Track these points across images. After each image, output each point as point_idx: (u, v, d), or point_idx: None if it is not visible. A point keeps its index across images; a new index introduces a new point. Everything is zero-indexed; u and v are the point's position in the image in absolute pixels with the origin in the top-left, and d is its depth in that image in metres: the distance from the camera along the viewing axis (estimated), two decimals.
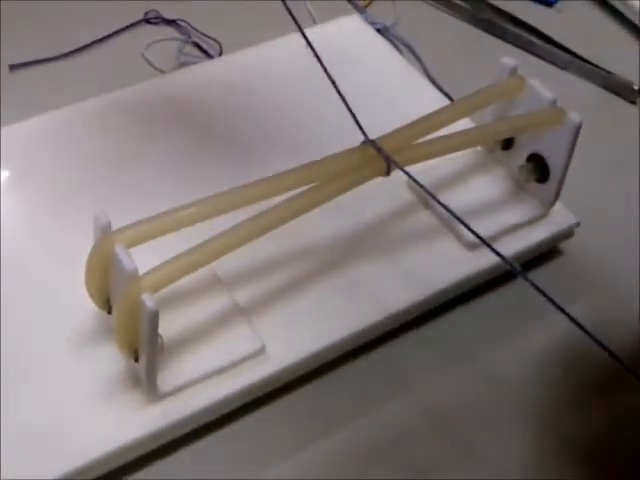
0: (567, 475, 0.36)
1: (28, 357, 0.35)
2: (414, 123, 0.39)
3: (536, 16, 0.56)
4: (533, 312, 0.41)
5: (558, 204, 0.42)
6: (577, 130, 0.39)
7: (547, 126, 0.39)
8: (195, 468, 0.35)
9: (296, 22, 0.38)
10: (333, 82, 0.37)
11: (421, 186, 0.36)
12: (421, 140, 0.39)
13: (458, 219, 0.35)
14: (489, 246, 0.34)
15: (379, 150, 0.36)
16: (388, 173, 0.37)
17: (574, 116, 0.38)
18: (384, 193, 0.41)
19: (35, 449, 0.33)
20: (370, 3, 0.56)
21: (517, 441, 0.37)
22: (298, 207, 0.36)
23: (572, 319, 0.32)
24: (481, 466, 0.36)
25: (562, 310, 0.32)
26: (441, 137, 0.39)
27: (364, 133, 0.37)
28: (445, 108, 0.40)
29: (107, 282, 0.33)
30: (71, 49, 0.52)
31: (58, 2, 0.55)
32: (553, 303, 0.32)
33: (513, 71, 0.40)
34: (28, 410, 0.34)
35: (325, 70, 0.38)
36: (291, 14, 0.37)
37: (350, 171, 0.36)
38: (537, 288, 0.33)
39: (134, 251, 0.32)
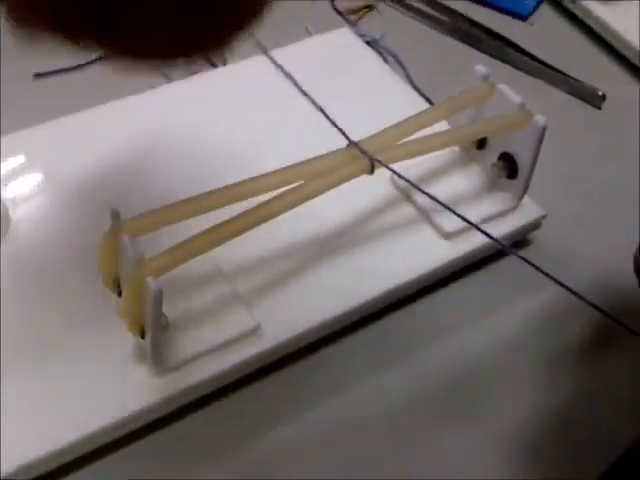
0: None
1: (47, 333, 0.35)
2: (395, 126, 0.39)
3: (511, 28, 0.55)
4: (503, 295, 0.41)
5: (527, 198, 0.42)
6: (542, 131, 0.38)
7: (516, 128, 0.39)
8: (195, 435, 0.35)
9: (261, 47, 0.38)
10: (305, 93, 0.37)
11: (407, 180, 0.37)
12: (402, 141, 0.39)
13: (448, 208, 0.35)
14: (483, 230, 0.34)
15: (363, 151, 0.36)
16: (372, 171, 0.37)
17: (540, 119, 0.38)
18: (370, 188, 0.40)
19: (57, 415, 0.33)
20: (361, 17, 0.56)
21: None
22: (290, 200, 0.36)
23: (565, 287, 0.32)
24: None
25: (555, 280, 0.33)
26: (420, 138, 0.39)
27: (346, 136, 0.37)
28: (424, 112, 0.40)
29: (117, 268, 0.33)
30: (88, 60, 0.50)
31: None
32: (546, 275, 0.33)
33: (485, 78, 0.40)
34: (48, 382, 0.34)
35: (296, 84, 0.38)
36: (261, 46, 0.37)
37: (338, 169, 0.36)
38: (528, 262, 0.33)
39: (142, 239, 0.33)
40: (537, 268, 0.33)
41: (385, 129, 0.39)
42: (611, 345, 0.40)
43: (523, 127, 0.39)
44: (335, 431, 0.35)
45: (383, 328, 0.39)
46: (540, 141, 0.39)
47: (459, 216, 0.35)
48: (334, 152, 0.37)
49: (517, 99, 0.39)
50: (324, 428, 0.35)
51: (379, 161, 0.37)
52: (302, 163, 0.36)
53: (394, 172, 0.37)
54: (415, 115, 0.40)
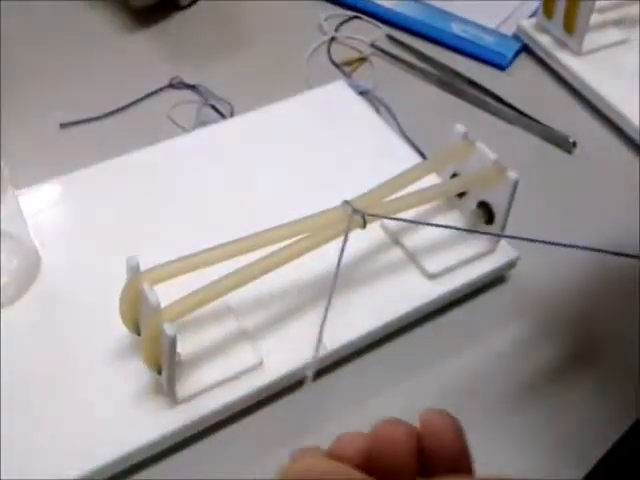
0: None
1: (74, 369, 0.37)
2: (386, 182, 0.41)
3: (491, 78, 0.57)
4: (479, 328, 0.43)
5: (503, 241, 0.44)
6: (515, 184, 0.40)
7: (492, 181, 0.41)
8: (206, 460, 0.37)
9: None
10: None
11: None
12: (393, 196, 0.41)
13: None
14: None
15: (356, 211, 0.37)
16: (364, 226, 0.38)
17: (512, 174, 0.40)
18: (362, 233, 0.42)
19: (79, 444, 0.35)
20: (355, 69, 0.58)
21: None
22: (292, 252, 0.38)
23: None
24: None
25: None
26: (408, 194, 0.41)
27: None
28: (412, 168, 0.42)
29: (137, 312, 0.35)
30: (111, 110, 0.52)
31: (100, 70, 0.56)
32: None
33: (464, 135, 0.42)
34: (72, 413, 0.36)
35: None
36: None
37: (334, 224, 0.38)
38: None
39: (160, 286, 0.35)
40: None
41: (377, 186, 0.41)
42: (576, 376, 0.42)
43: (498, 180, 0.41)
44: None
45: (370, 361, 0.41)
46: (513, 192, 0.41)
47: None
48: (331, 209, 0.38)
49: (492, 156, 0.41)
50: None
51: (370, 217, 0.38)
52: (305, 219, 0.38)
53: (389, 218, 0.38)
54: (404, 172, 0.42)
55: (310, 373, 0.29)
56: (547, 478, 0.37)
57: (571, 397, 0.40)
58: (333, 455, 0.24)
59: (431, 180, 0.43)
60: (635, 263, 0.46)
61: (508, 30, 0.61)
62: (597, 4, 0.58)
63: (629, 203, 0.49)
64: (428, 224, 0.43)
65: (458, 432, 0.23)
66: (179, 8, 0.61)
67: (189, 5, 0.61)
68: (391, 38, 0.60)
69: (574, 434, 0.39)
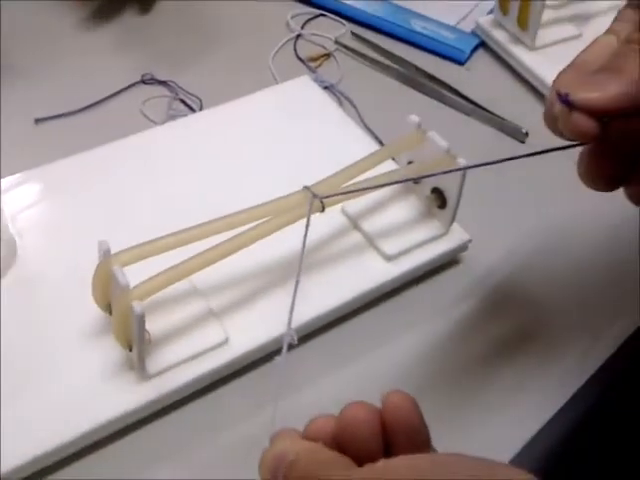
0: None
1: (51, 347, 0.39)
2: (344, 169, 0.43)
3: (449, 73, 0.59)
4: (434, 306, 0.45)
5: (456, 225, 0.46)
6: (464, 171, 0.43)
7: (443, 168, 0.44)
8: (175, 431, 0.39)
9: None
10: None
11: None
12: (351, 182, 0.43)
13: None
14: None
15: (315, 194, 0.39)
16: (323, 210, 0.40)
17: (462, 161, 0.42)
18: (324, 218, 0.42)
19: (55, 416, 0.36)
20: (320, 65, 0.60)
21: None
22: (255, 234, 0.39)
23: None
24: None
25: None
26: (363, 181, 0.42)
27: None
28: (368, 157, 0.44)
29: (108, 292, 0.37)
30: (85, 105, 0.54)
31: (74, 66, 0.57)
32: None
33: (418, 126, 0.45)
34: (50, 387, 0.38)
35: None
36: None
37: (294, 209, 0.40)
38: None
39: (131, 268, 0.37)
40: None
41: (335, 173, 0.43)
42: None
43: (449, 167, 0.43)
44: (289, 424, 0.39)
45: (332, 337, 0.43)
46: (463, 179, 0.43)
47: None
48: (292, 194, 0.40)
49: (443, 144, 0.43)
50: (282, 423, 0.39)
51: (328, 196, 0.40)
52: (267, 203, 0.40)
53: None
54: (361, 160, 0.44)
55: (290, 339, 0.32)
56: (494, 443, 0.39)
57: (517, 369, 0.43)
58: (307, 437, 0.27)
59: (388, 167, 0.46)
60: (582, 244, 0.49)
61: (467, 27, 0.64)
62: (550, 1, 0.61)
63: (575, 189, 0.52)
64: (367, 189, 0.45)
65: (415, 409, 0.26)
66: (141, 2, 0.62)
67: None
68: (355, 35, 0.62)
69: (518, 403, 0.41)
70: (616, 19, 0.36)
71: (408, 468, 0.23)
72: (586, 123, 0.31)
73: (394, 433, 0.26)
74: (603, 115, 0.31)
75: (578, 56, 0.35)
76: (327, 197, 0.39)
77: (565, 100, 0.31)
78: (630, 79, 0.31)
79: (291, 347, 0.41)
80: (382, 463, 0.23)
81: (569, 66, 0.35)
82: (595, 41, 0.35)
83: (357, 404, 0.26)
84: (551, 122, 0.34)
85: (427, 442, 0.26)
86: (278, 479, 0.26)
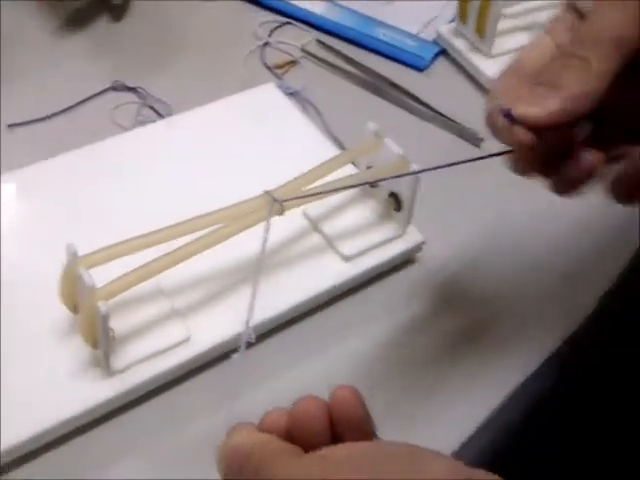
0: None
1: (21, 346, 0.40)
2: (303, 175, 0.45)
3: (410, 80, 0.60)
4: (390, 304, 0.47)
5: (411, 227, 0.48)
6: (417, 177, 0.45)
7: (398, 173, 0.46)
8: (139, 425, 0.40)
9: None
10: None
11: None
12: (311, 186, 0.45)
13: None
14: None
15: (274, 198, 0.41)
16: (282, 213, 0.41)
17: (413, 166, 0.45)
18: (285, 221, 0.43)
19: (23, 411, 0.38)
20: (286, 71, 0.61)
21: None
22: (217, 237, 0.41)
23: None
24: None
25: None
26: (322, 185, 0.44)
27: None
28: (327, 162, 0.46)
29: (74, 293, 0.39)
30: (56, 111, 0.55)
31: (46, 73, 0.58)
32: None
33: (376, 133, 0.47)
34: (20, 384, 0.39)
35: None
36: None
37: (255, 212, 0.42)
38: None
39: (97, 269, 0.38)
40: None
41: (295, 177, 0.44)
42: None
43: (403, 173, 0.46)
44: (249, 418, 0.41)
45: (292, 335, 0.45)
46: (416, 184, 0.45)
47: None
48: (253, 198, 0.42)
49: (398, 150, 0.46)
50: (241, 417, 0.41)
51: (287, 204, 0.42)
52: (228, 207, 0.42)
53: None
54: (320, 165, 0.46)
55: (248, 337, 0.34)
56: (443, 435, 0.42)
57: (463, 362, 0.45)
58: (262, 429, 0.29)
59: (349, 171, 0.48)
60: (532, 243, 0.51)
61: (429, 35, 0.66)
62: (509, 10, 0.63)
63: (527, 189, 0.54)
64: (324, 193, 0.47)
65: (360, 403, 0.28)
66: (111, 8, 0.63)
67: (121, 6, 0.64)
68: (320, 43, 0.64)
69: (461, 398, 0.43)
70: (553, 19, 0.38)
71: (348, 452, 0.25)
72: (525, 136, 0.34)
73: (341, 425, 0.28)
74: (542, 129, 0.34)
75: (516, 59, 0.37)
76: (286, 201, 0.41)
77: (507, 114, 0.34)
78: (567, 95, 0.33)
79: (250, 345, 0.43)
80: (324, 450, 0.25)
81: (508, 70, 0.37)
82: (533, 43, 0.37)
83: (307, 399, 0.28)
84: (492, 128, 0.36)
85: (372, 433, 0.28)
86: (235, 470, 0.28)
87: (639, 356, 0.47)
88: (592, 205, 0.52)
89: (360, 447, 0.26)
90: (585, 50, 0.34)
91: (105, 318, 0.37)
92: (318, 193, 0.44)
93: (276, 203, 0.41)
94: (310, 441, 0.27)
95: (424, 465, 0.24)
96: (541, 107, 0.33)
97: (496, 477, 0.23)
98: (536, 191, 0.40)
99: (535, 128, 0.33)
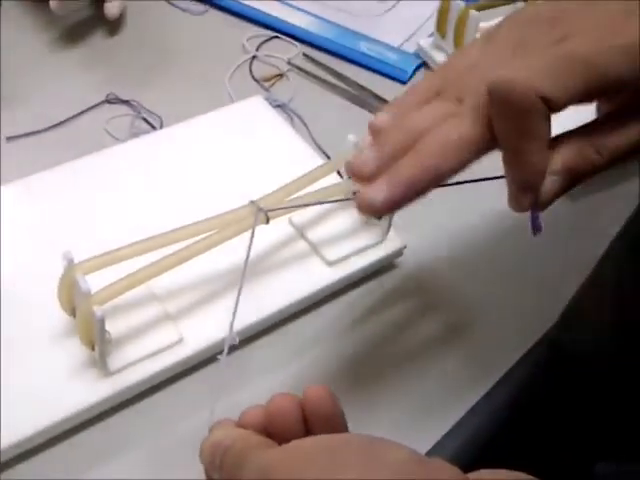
0: None
1: (21, 348, 0.42)
2: (287, 184, 0.46)
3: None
4: (372, 307, 0.49)
5: (392, 232, 0.50)
6: None
7: None
8: (134, 423, 0.42)
9: None
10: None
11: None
12: (295, 195, 0.47)
13: None
14: None
15: (260, 208, 0.43)
16: (267, 222, 0.43)
17: None
18: (272, 228, 0.45)
19: (24, 410, 0.40)
20: (273, 84, 0.64)
21: None
22: (206, 244, 0.43)
23: None
24: None
25: None
26: (306, 194, 0.46)
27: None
28: (310, 172, 0.48)
29: (72, 297, 0.41)
30: (52, 124, 0.57)
31: (43, 86, 0.60)
32: None
33: (355, 144, 0.49)
34: (20, 384, 0.41)
35: None
36: None
37: (242, 221, 0.43)
38: None
39: (92, 276, 0.41)
40: None
41: (280, 187, 0.46)
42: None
43: None
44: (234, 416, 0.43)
45: (278, 337, 0.47)
46: None
47: None
48: (239, 208, 0.44)
49: None
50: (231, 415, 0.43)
51: (272, 214, 0.44)
52: (216, 216, 0.44)
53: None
54: (303, 175, 0.48)
55: (232, 341, 0.36)
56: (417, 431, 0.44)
57: (445, 362, 0.47)
58: (241, 425, 0.31)
59: (332, 181, 0.50)
60: (515, 248, 0.54)
61: (410, 48, 0.68)
62: (485, 25, 0.66)
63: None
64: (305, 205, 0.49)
65: (332, 399, 0.30)
66: (106, 23, 0.65)
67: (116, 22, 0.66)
68: (306, 56, 0.66)
69: (442, 395, 0.46)
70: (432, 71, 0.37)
71: (313, 442, 0.27)
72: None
73: (313, 420, 0.30)
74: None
75: (402, 99, 0.38)
76: (271, 210, 0.44)
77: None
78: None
79: (235, 348, 0.45)
80: (295, 442, 0.28)
81: (390, 108, 0.37)
82: (417, 85, 0.38)
83: (281, 396, 0.30)
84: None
85: (344, 430, 0.31)
86: (216, 463, 0.30)
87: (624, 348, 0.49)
88: (570, 204, 0.55)
89: (327, 437, 0.28)
90: None
91: (101, 321, 0.39)
92: (302, 205, 0.46)
93: (261, 212, 0.43)
94: (285, 436, 0.29)
95: (385, 450, 0.26)
96: (387, 191, 0.33)
97: (453, 467, 0.25)
98: None
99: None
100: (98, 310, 0.39)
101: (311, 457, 0.26)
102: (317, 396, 0.30)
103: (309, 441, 0.27)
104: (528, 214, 0.36)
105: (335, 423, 0.30)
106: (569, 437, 0.47)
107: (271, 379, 0.45)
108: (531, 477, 0.25)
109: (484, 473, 0.26)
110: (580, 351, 0.50)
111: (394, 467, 0.25)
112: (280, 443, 0.29)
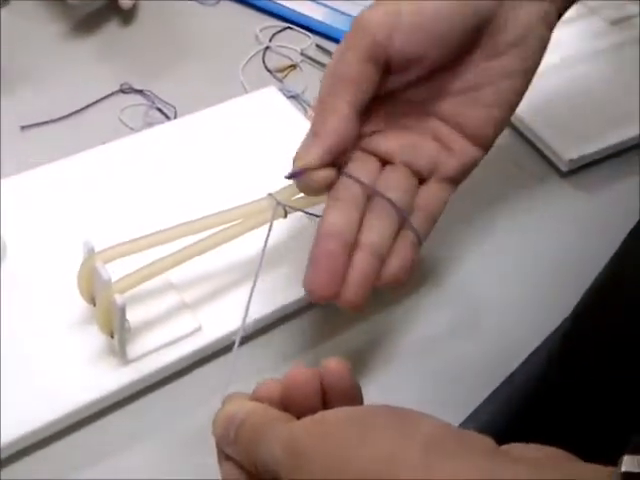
0: None
1: (42, 337, 0.43)
2: None
3: None
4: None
5: None
6: None
7: None
8: (153, 410, 0.43)
9: None
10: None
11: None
12: None
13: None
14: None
15: (278, 202, 0.43)
16: (285, 216, 0.43)
17: None
18: (289, 219, 0.45)
19: (45, 396, 0.40)
20: (286, 75, 0.64)
21: None
22: (225, 236, 0.43)
23: None
24: None
25: None
26: None
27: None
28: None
29: (92, 286, 0.41)
30: (68, 113, 0.57)
31: (58, 75, 0.60)
32: None
33: None
34: (41, 372, 0.41)
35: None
36: None
37: (260, 214, 0.43)
38: None
39: (112, 264, 0.41)
40: None
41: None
42: None
43: None
44: None
45: (295, 326, 0.47)
46: None
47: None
48: (258, 200, 0.43)
49: None
50: None
51: (291, 208, 0.44)
52: (236, 208, 0.43)
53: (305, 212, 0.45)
54: None
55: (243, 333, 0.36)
56: None
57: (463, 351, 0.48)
58: (256, 398, 0.31)
59: None
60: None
61: None
62: None
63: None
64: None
65: (349, 373, 0.30)
66: (120, 13, 0.65)
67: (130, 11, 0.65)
68: (319, 47, 0.66)
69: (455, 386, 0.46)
70: None
71: (342, 414, 0.26)
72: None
73: (332, 393, 0.29)
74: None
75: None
76: (289, 206, 0.43)
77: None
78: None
79: (247, 339, 0.45)
80: (320, 414, 0.27)
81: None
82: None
83: (299, 368, 0.30)
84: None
85: (361, 403, 0.30)
86: (230, 436, 0.29)
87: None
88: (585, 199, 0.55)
89: (354, 408, 0.28)
90: None
91: (122, 310, 0.39)
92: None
93: (279, 206, 0.43)
94: (302, 410, 0.28)
95: (415, 420, 0.25)
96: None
97: (486, 437, 0.25)
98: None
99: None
100: (119, 298, 0.39)
101: (341, 429, 0.25)
102: (337, 369, 0.30)
103: (337, 412, 0.27)
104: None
105: (353, 396, 0.30)
106: (602, 410, 0.47)
107: (288, 368, 0.45)
108: (562, 451, 0.25)
109: (515, 446, 0.25)
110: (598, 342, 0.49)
111: (427, 437, 0.24)
112: (297, 418, 0.28)
